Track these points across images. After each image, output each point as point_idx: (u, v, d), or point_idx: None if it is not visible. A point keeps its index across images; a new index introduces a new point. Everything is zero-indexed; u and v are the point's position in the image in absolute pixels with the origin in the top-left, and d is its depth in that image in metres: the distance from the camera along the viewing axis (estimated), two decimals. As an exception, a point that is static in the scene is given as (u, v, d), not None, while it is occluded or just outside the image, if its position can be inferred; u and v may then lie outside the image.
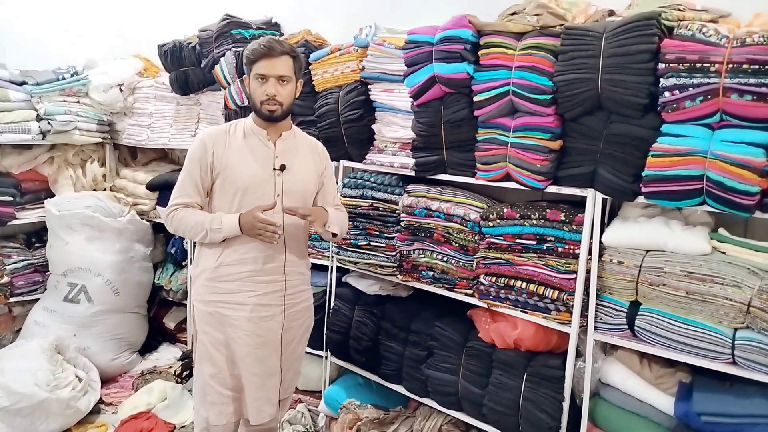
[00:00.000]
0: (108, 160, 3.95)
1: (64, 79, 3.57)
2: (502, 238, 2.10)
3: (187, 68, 3.34)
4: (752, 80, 1.55)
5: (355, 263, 2.62)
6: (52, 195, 3.63)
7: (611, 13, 1.99)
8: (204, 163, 1.99)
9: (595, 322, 1.97)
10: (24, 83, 3.45)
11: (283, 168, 2.02)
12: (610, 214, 2.08)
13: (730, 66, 1.58)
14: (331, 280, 2.78)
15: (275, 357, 2.05)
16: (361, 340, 2.60)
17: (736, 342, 1.68)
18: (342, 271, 2.80)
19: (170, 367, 3.39)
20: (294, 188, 2.04)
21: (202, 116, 3.43)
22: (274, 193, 2.00)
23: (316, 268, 2.88)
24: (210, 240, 1.98)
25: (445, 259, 2.31)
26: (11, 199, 3.47)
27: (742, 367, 1.68)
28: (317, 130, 2.69)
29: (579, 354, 2.03)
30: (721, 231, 1.80)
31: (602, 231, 1.95)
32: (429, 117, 2.26)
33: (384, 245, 2.50)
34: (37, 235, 3.68)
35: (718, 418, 1.70)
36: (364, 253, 2.56)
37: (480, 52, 2.08)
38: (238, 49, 2.99)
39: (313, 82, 2.70)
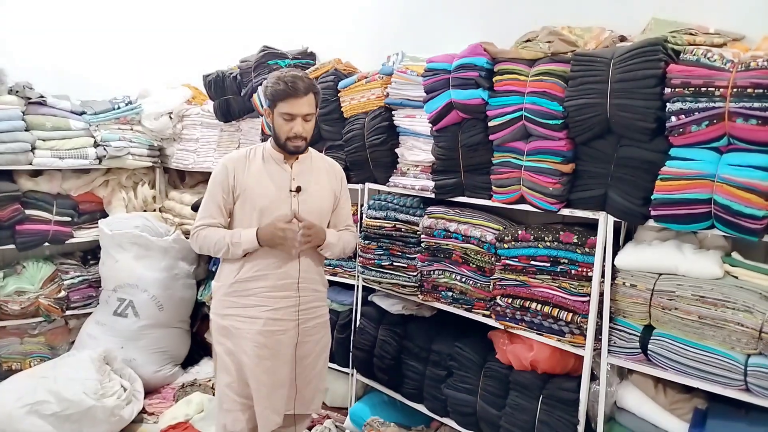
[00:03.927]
0: (158, 182, 4.21)
1: (119, 108, 3.85)
2: (517, 259, 2.14)
3: (229, 97, 3.53)
4: (756, 104, 1.54)
5: (379, 283, 2.69)
6: (106, 215, 3.90)
7: (622, 39, 2.02)
8: (226, 185, 2.14)
9: (609, 345, 1.96)
10: (83, 113, 3.75)
11: (299, 189, 2.14)
12: (626, 237, 2.08)
13: (735, 90, 1.58)
14: (356, 298, 2.87)
15: (285, 369, 2.15)
16: (385, 359, 2.66)
17: (748, 368, 1.64)
18: (369, 290, 2.87)
19: (209, 380, 3.53)
20: (309, 208, 2.16)
21: (242, 141, 3.61)
22: (291, 213, 2.12)
23: (344, 286, 2.98)
24: (232, 255, 2.11)
25: (463, 279, 2.35)
26: (70, 219, 3.76)
27: (755, 394, 1.65)
28: (344, 153, 2.80)
29: (595, 377, 2.03)
30: (735, 255, 1.78)
31: (616, 254, 1.95)
32: (447, 141, 2.34)
33: (406, 265, 2.56)
34: (92, 253, 3.95)
35: (731, 446, 1.67)
36: (387, 273, 2.63)
37: (494, 79, 2.15)
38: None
39: (342, 109, 2.83)
